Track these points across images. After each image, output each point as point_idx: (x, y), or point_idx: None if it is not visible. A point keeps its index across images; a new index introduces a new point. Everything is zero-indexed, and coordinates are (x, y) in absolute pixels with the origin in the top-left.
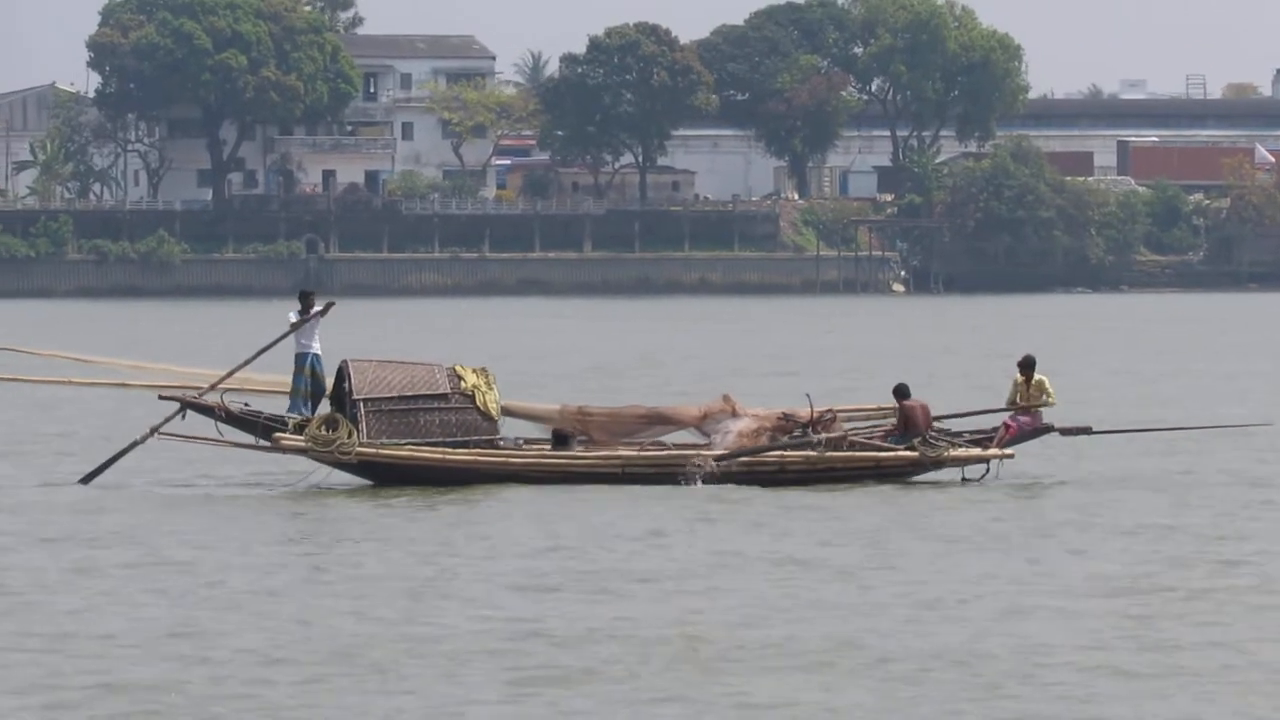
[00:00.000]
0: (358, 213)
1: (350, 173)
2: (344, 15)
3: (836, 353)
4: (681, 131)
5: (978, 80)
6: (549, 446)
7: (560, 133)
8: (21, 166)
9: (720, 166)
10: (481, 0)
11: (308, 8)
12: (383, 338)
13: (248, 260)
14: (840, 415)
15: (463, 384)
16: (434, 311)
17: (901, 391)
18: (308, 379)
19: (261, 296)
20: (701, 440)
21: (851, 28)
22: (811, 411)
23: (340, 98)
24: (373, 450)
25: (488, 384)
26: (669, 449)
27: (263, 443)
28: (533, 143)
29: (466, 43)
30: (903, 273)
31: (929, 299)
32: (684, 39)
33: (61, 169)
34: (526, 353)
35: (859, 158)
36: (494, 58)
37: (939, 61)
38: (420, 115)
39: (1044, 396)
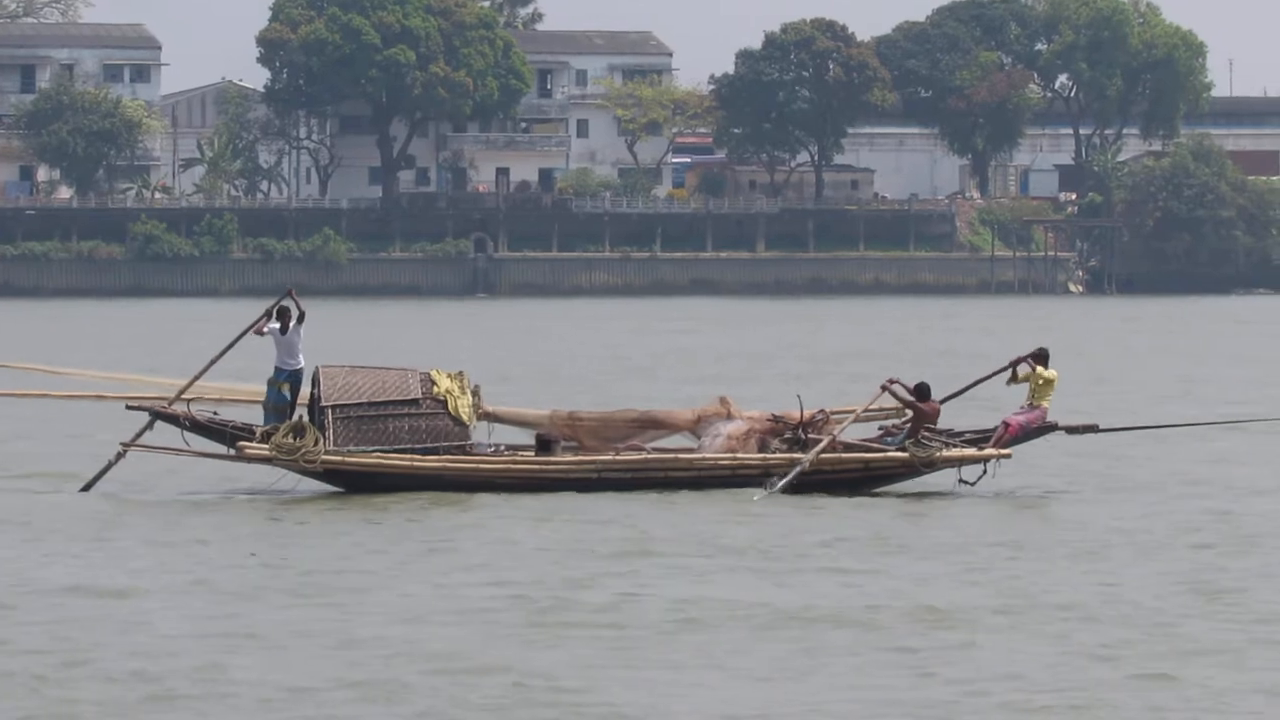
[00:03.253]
0: (527, 211)
1: (524, 170)
2: (523, 11)
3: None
4: (866, 129)
5: (1161, 78)
6: (533, 453)
7: (736, 130)
8: (188, 164)
9: (905, 165)
10: None
11: (484, 3)
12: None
13: (415, 259)
14: (833, 416)
15: (435, 389)
16: (601, 313)
17: (923, 391)
18: (283, 394)
19: (429, 296)
20: (693, 443)
21: (1034, 24)
22: (802, 413)
23: (511, 94)
24: (338, 458)
25: (461, 389)
26: (646, 453)
27: (231, 451)
28: (711, 140)
29: (644, 39)
30: (1080, 273)
31: (1101, 300)
32: (866, 36)
33: (229, 166)
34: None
35: (1040, 156)
36: (671, 54)
37: (1121, 59)
38: (595, 112)
39: (1048, 392)
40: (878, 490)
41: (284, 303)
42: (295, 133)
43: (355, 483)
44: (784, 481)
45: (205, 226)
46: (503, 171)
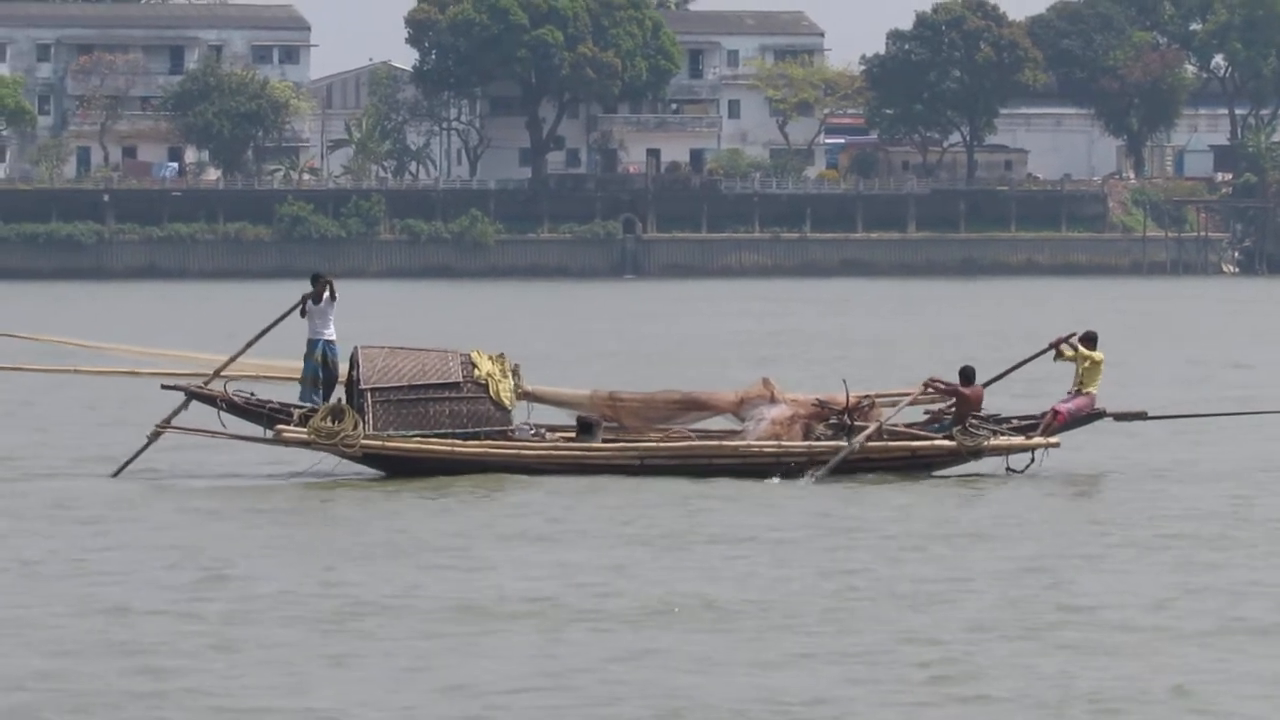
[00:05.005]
0: (676, 192)
1: (675, 151)
2: None
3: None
4: (1023, 110)
5: None
6: (573, 435)
7: (888, 111)
8: (336, 145)
9: (1062, 145)
10: None
11: None
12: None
13: (563, 240)
14: (880, 401)
15: (476, 372)
16: (747, 293)
17: (967, 375)
18: (318, 365)
19: (577, 277)
20: (737, 425)
21: (1188, 3)
22: (847, 398)
23: (660, 75)
24: (378, 443)
25: (502, 372)
26: (690, 439)
27: (268, 434)
28: (864, 121)
29: (795, 19)
30: (1234, 253)
31: (1250, 281)
32: (1020, 16)
33: (377, 147)
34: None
35: (1196, 136)
36: (823, 34)
37: (1276, 38)
38: (747, 93)
39: (1095, 376)
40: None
41: (322, 277)
42: (444, 114)
43: (395, 467)
44: (827, 469)
45: (352, 208)
46: (653, 152)
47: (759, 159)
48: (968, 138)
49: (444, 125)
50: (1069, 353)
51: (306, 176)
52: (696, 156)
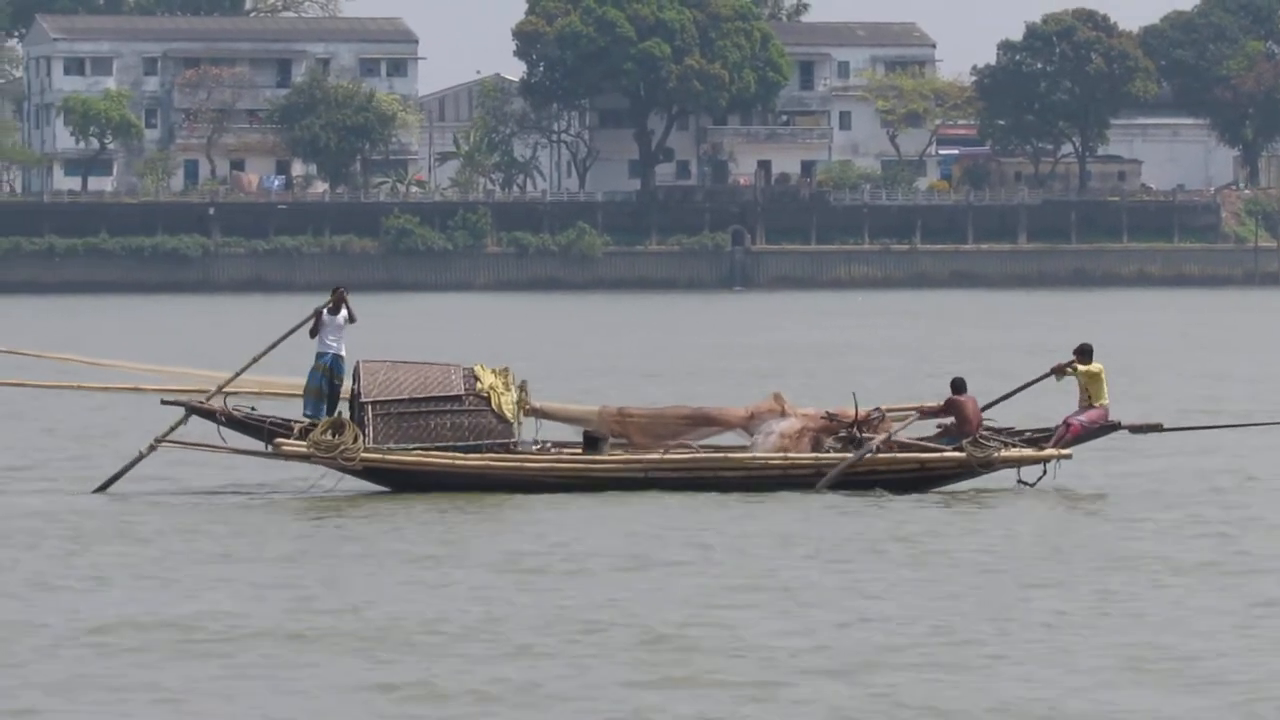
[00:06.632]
0: (785, 203)
1: (785, 163)
2: (788, 3)
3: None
4: (1140, 120)
5: None
6: (580, 450)
7: (1000, 122)
8: (444, 158)
9: (1179, 155)
10: None
11: None
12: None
13: (671, 252)
14: (890, 415)
15: (479, 385)
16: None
17: (957, 386)
18: (324, 378)
19: (686, 290)
20: (746, 441)
21: None
22: (857, 411)
23: (769, 86)
24: (378, 455)
25: (505, 385)
26: (696, 451)
27: (268, 448)
28: (976, 132)
29: (907, 30)
30: None
31: None
32: (1132, 26)
33: (486, 160)
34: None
35: None
36: (934, 45)
37: None
38: (858, 104)
39: (1100, 388)
40: (935, 490)
41: (339, 289)
42: (552, 126)
43: (396, 481)
44: (826, 480)
45: (459, 220)
46: (763, 164)
47: (870, 170)
48: (1079, 148)
49: (552, 137)
50: (1069, 372)
51: (414, 189)
52: (807, 168)
